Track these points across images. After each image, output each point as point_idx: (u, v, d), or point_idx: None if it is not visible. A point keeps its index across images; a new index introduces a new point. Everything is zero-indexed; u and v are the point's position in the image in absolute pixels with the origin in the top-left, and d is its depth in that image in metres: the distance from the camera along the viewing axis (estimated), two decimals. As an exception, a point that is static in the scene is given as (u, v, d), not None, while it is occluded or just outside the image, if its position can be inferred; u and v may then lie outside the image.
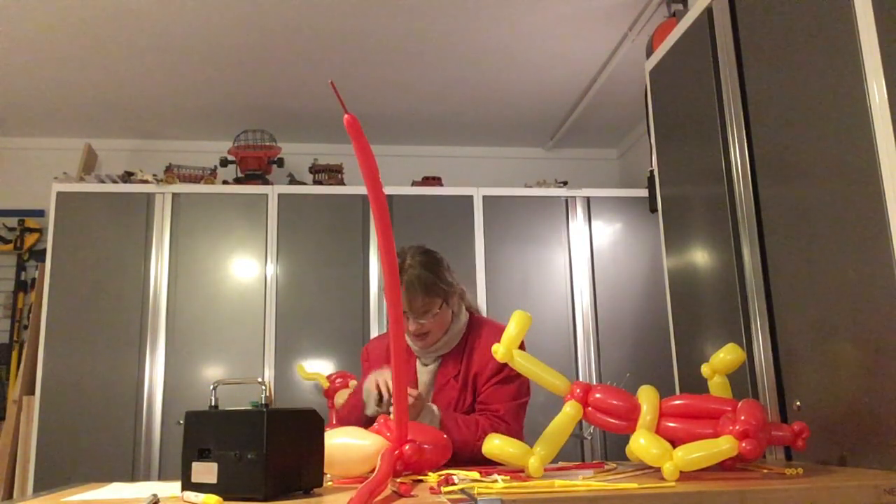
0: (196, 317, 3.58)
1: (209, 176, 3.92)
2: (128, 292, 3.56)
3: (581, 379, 3.01)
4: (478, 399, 1.90)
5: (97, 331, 3.50)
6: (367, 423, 1.67)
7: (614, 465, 1.51)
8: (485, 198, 3.85)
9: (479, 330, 1.96)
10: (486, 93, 3.86)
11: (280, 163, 4.03)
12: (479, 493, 1.11)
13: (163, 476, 3.36)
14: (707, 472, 1.29)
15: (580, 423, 1.41)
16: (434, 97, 3.90)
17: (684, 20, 2.10)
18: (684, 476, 1.26)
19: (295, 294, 3.65)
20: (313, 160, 4.12)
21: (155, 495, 1.12)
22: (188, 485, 1.14)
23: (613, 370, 3.71)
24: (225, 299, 3.61)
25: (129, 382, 3.47)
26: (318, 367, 3.55)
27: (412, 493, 1.18)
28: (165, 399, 3.47)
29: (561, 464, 1.59)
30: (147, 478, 3.36)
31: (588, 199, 3.93)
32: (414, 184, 4.09)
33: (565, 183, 4.10)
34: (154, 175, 3.78)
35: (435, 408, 1.83)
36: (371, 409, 1.81)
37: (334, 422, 3.15)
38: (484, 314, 2.08)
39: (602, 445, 3.62)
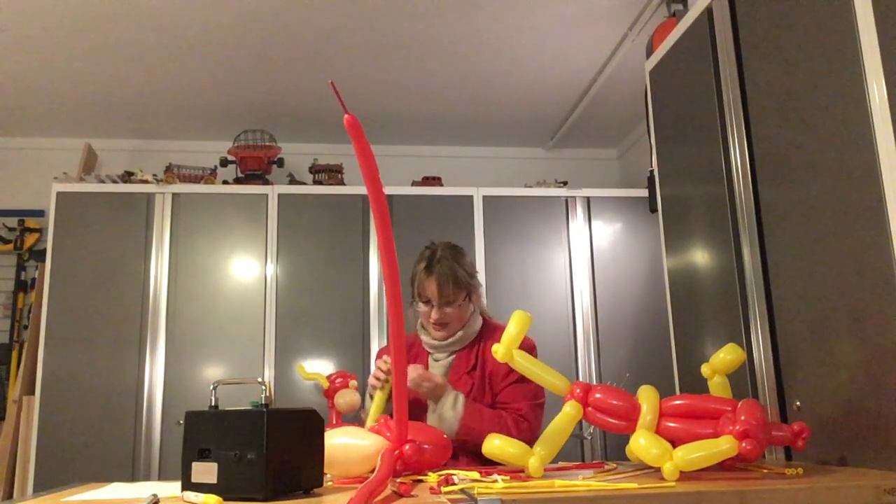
0: (196, 317, 3.58)
1: (209, 176, 3.92)
2: (128, 292, 3.56)
3: (581, 379, 3.01)
4: (497, 399, 1.93)
5: (97, 331, 3.50)
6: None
7: (614, 465, 1.51)
8: (485, 198, 3.85)
9: (492, 332, 2.02)
10: (486, 93, 3.86)
11: (280, 163, 4.03)
12: (479, 493, 1.11)
13: (163, 476, 3.36)
14: (707, 472, 1.29)
15: (580, 423, 1.41)
16: (434, 97, 3.90)
17: (684, 20, 2.10)
18: (684, 476, 1.26)
19: (295, 294, 3.65)
20: (313, 160, 4.12)
21: (155, 495, 1.12)
22: (188, 485, 1.14)
23: (613, 370, 3.71)
24: (225, 299, 3.61)
25: (129, 382, 3.47)
26: (318, 367, 3.55)
27: (412, 493, 1.18)
28: (165, 399, 3.47)
29: (561, 464, 1.59)
30: (147, 478, 3.36)
31: (588, 199, 3.93)
32: (414, 184, 4.09)
33: (565, 183, 4.10)
34: (154, 175, 3.78)
35: (460, 394, 1.85)
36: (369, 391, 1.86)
37: (334, 422, 3.15)
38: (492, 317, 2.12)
39: (602, 445, 3.62)
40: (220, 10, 2.99)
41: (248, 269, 3.66)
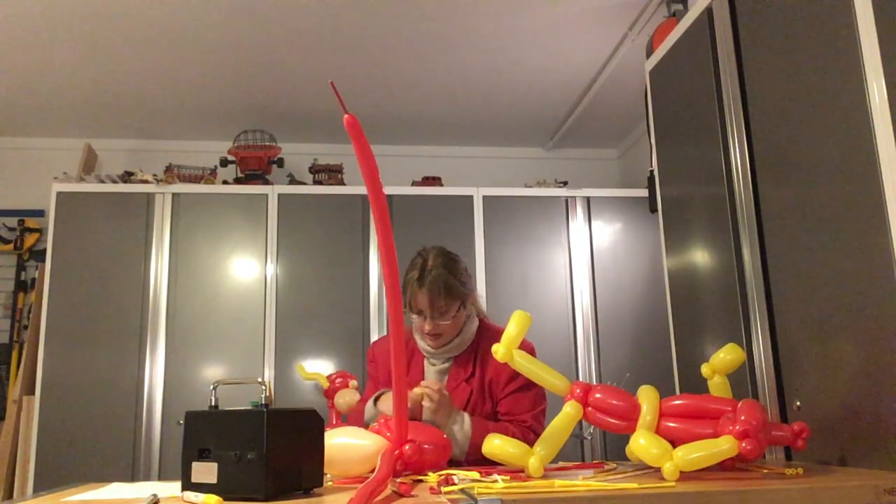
0: (196, 317, 3.58)
1: (209, 176, 3.92)
2: (128, 292, 3.56)
3: (581, 379, 3.01)
4: (499, 409, 1.90)
5: (97, 331, 3.50)
6: None
7: (614, 465, 1.51)
8: (485, 198, 3.85)
9: (490, 335, 1.97)
10: (486, 93, 3.86)
11: (280, 163, 4.03)
12: (479, 493, 1.11)
13: (163, 476, 3.36)
14: (707, 472, 1.29)
15: (580, 423, 1.41)
16: (434, 97, 3.90)
17: (684, 20, 2.10)
18: (684, 476, 1.26)
19: (295, 294, 3.65)
20: (313, 160, 4.11)
21: (155, 495, 1.12)
22: (188, 485, 1.14)
23: (613, 370, 3.71)
24: (225, 299, 3.61)
25: (129, 382, 3.47)
26: (318, 367, 3.55)
27: (412, 493, 1.18)
28: (165, 399, 3.47)
29: (561, 464, 1.59)
30: (147, 478, 3.36)
31: (588, 199, 3.93)
32: (414, 184, 4.09)
33: (565, 183, 4.10)
34: (154, 175, 3.78)
35: (466, 415, 1.82)
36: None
37: (334, 422, 3.15)
38: (488, 318, 2.08)
39: (602, 445, 3.62)
40: (221, 10, 2.99)
41: (248, 269, 3.66)
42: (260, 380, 1.20)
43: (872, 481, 1.18)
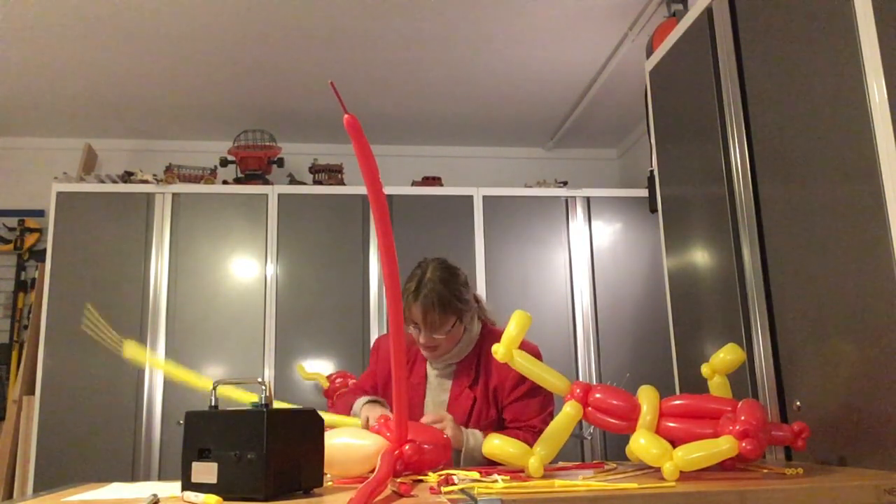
0: (196, 317, 3.58)
1: (209, 176, 3.92)
2: (128, 292, 3.56)
3: (581, 379, 3.01)
4: (505, 415, 1.88)
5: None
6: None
7: (614, 465, 1.51)
8: (485, 198, 3.85)
9: (493, 340, 1.92)
10: (486, 93, 3.86)
11: (280, 163, 4.03)
12: (479, 493, 1.11)
13: (163, 476, 3.36)
14: (707, 472, 1.29)
15: (580, 423, 1.41)
16: (434, 97, 3.90)
17: (684, 20, 2.10)
18: (684, 476, 1.26)
19: (295, 294, 3.65)
20: (313, 160, 4.12)
21: (155, 495, 1.12)
22: (188, 485, 1.14)
23: (613, 370, 3.71)
24: (225, 299, 3.61)
25: (129, 382, 3.46)
26: (318, 367, 3.55)
27: (412, 493, 1.18)
28: (165, 399, 3.47)
29: (561, 464, 1.59)
30: (147, 478, 3.36)
31: (588, 199, 3.93)
32: (414, 184, 4.09)
33: (565, 183, 4.10)
34: (154, 175, 3.78)
35: (478, 432, 1.80)
36: None
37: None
38: (497, 323, 2.05)
39: (602, 445, 3.62)
40: (221, 10, 2.99)
41: (248, 269, 3.66)
42: (260, 380, 1.20)
43: (872, 481, 1.18)
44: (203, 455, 1.13)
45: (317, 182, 4.03)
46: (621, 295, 3.82)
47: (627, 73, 3.54)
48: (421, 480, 1.35)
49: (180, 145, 4.38)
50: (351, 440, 1.38)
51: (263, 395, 1.16)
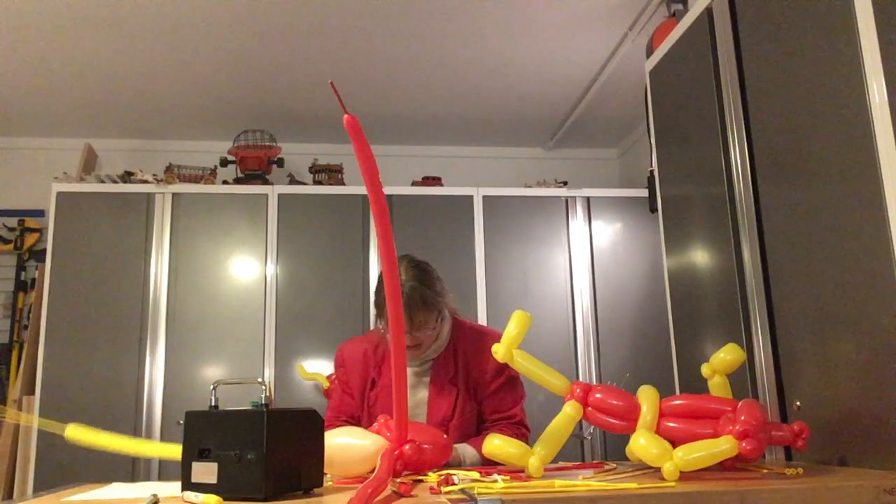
0: (196, 317, 3.58)
1: (209, 176, 3.92)
2: (128, 292, 3.56)
3: (581, 379, 3.01)
4: (485, 407, 1.89)
5: (97, 331, 3.49)
6: None
7: (614, 465, 1.51)
8: (485, 198, 3.85)
9: (465, 332, 1.95)
10: (486, 93, 3.86)
11: (280, 163, 4.03)
12: (479, 493, 1.11)
13: (163, 476, 3.36)
14: (707, 472, 1.29)
15: (580, 423, 1.41)
16: (434, 97, 3.90)
17: (684, 20, 2.10)
18: (684, 476, 1.26)
19: (295, 294, 3.65)
20: (313, 160, 4.11)
21: (155, 495, 1.12)
22: (188, 485, 1.14)
23: (613, 370, 3.71)
24: (225, 299, 3.61)
25: (129, 382, 3.46)
26: (318, 367, 3.55)
27: (412, 493, 1.18)
28: (165, 399, 3.47)
29: (561, 464, 1.59)
30: (147, 478, 3.36)
31: (588, 199, 3.93)
32: (414, 184, 4.09)
33: (565, 183, 4.10)
34: (154, 175, 3.78)
35: (468, 447, 1.79)
36: None
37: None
38: (481, 314, 2.06)
39: (602, 445, 3.62)
40: (221, 10, 2.99)
41: (248, 269, 3.66)
42: (260, 380, 1.20)
43: (872, 481, 1.18)
44: (203, 455, 1.13)
45: (317, 182, 4.03)
46: (621, 295, 3.82)
47: (627, 73, 3.54)
48: (421, 480, 1.35)
49: (180, 145, 4.38)
50: (351, 440, 1.38)
51: (263, 395, 1.16)
